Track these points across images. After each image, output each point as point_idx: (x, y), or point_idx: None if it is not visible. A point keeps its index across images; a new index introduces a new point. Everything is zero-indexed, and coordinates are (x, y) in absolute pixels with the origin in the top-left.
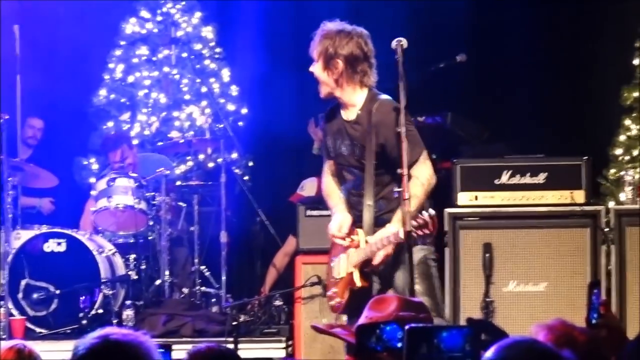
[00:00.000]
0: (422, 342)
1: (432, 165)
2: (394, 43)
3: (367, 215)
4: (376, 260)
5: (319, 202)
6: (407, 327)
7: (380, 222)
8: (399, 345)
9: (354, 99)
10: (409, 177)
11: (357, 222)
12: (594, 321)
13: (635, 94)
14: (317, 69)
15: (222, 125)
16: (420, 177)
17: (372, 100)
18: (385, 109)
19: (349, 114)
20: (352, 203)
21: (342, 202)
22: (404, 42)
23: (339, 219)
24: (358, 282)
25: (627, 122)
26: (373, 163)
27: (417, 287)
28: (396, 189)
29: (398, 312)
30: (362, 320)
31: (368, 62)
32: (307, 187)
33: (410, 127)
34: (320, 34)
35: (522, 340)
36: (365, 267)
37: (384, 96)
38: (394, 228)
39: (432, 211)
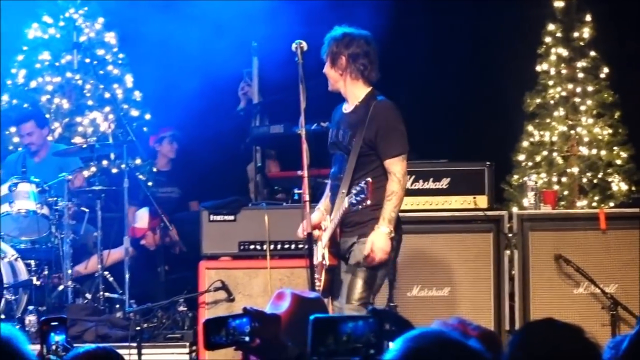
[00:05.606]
0: (327, 332)
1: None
2: (293, 45)
3: (339, 202)
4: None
5: (223, 206)
6: (312, 317)
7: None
8: (247, 339)
9: (356, 93)
10: (387, 172)
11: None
12: None
13: (538, 100)
14: (326, 66)
15: (125, 131)
16: (397, 173)
17: (372, 98)
18: (383, 105)
19: (348, 106)
20: (332, 187)
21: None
22: (304, 44)
23: (303, 223)
24: (327, 261)
25: (530, 128)
26: (357, 154)
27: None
28: (297, 191)
29: (291, 309)
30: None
31: (368, 59)
32: (140, 218)
33: (400, 125)
34: (328, 37)
35: (429, 331)
36: (332, 246)
37: (383, 97)
38: (345, 204)
39: (369, 179)
